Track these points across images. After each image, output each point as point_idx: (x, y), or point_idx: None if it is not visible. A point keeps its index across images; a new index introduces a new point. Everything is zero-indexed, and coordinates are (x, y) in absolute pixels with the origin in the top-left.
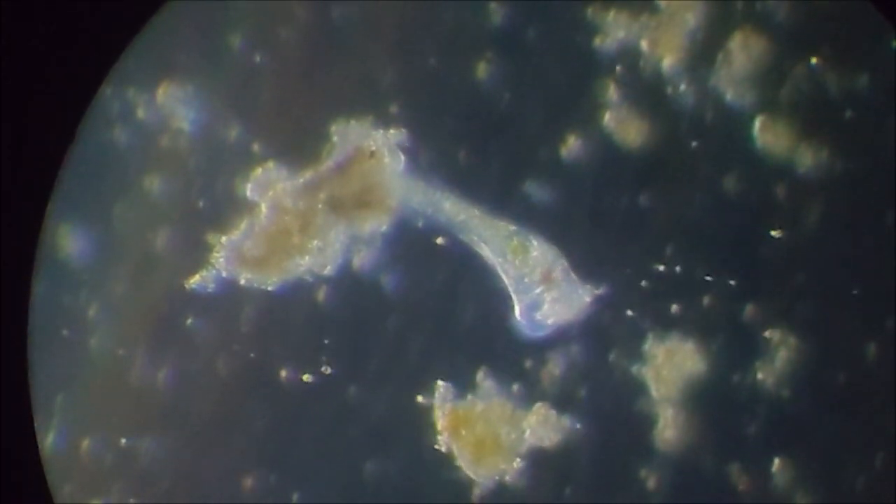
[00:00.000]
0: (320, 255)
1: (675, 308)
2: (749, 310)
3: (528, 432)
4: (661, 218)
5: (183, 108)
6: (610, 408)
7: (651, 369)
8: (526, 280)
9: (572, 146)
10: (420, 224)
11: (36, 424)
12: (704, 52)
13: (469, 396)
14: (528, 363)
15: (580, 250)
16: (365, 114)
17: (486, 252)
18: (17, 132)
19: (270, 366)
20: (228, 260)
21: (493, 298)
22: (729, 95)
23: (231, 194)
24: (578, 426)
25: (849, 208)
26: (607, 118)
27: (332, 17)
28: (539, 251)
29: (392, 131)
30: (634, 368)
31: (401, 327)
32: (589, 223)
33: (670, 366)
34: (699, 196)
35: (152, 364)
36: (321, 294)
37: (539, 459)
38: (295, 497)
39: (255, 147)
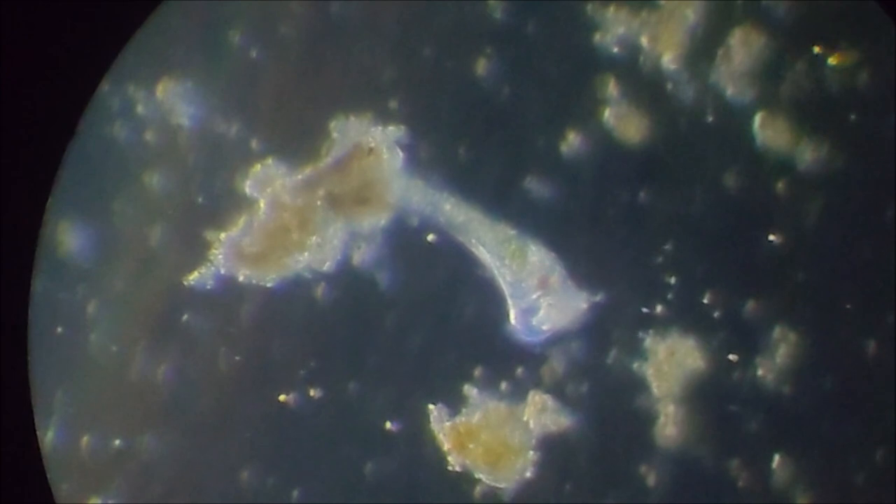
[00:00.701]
0: (319, 251)
1: (675, 306)
2: (749, 306)
3: (531, 422)
4: (660, 213)
5: (182, 104)
6: (610, 405)
7: (651, 366)
8: (522, 285)
9: (572, 142)
10: (416, 222)
11: (36, 421)
12: (705, 49)
13: (463, 410)
14: (524, 364)
15: (580, 247)
16: (364, 110)
17: (483, 254)
18: (17, 129)
19: (270, 365)
20: (227, 256)
21: (488, 302)
22: (729, 92)
23: (230, 191)
24: (576, 416)
25: (849, 205)
26: (607, 114)
27: (331, 13)
28: (537, 256)
29: (391, 128)
30: (635, 365)
31: (393, 328)
32: (589, 219)
33: (671, 362)
34: (699, 192)
35: (151, 360)
36: (319, 290)
37: (552, 445)
38: (295, 495)
39: (255, 143)
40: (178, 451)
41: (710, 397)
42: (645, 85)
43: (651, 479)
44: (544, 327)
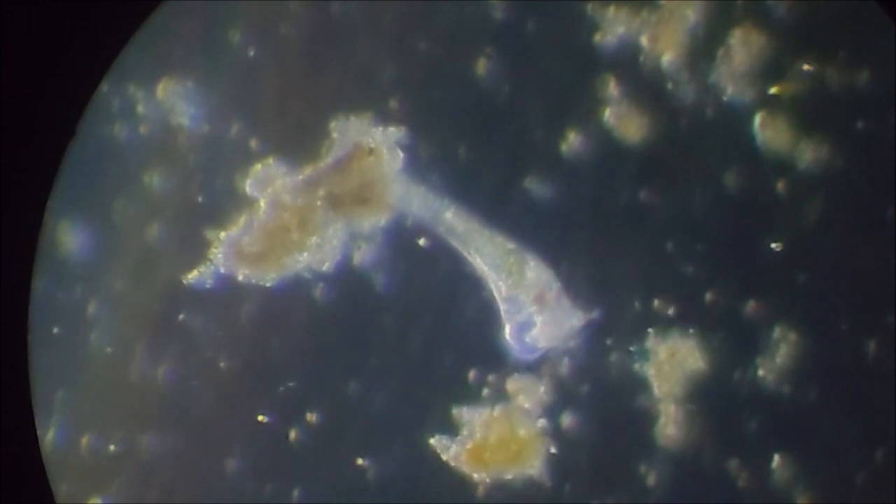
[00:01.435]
0: (319, 251)
1: (675, 305)
2: (750, 306)
3: (526, 406)
4: (660, 213)
5: (183, 103)
6: (612, 405)
7: (653, 366)
8: (519, 300)
9: (572, 142)
10: (411, 224)
11: (36, 421)
12: (705, 48)
13: (463, 432)
14: (524, 366)
15: (580, 247)
16: (364, 110)
17: (481, 266)
18: (17, 129)
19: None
20: (227, 256)
21: (487, 303)
22: (729, 91)
23: (230, 190)
24: (578, 416)
25: (849, 205)
26: (608, 114)
27: (331, 13)
28: (535, 272)
29: (392, 129)
30: (637, 366)
31: (392, 328)
32: (588, 218)
33: (672, 363)
34: (699, 192)
35: (151, 360)
36: (318, 290)
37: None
38: (295, 495)
39: (255, 143)
40: (178, 451)
41: (710, 397)
42: (645, 85)
43: (651, 479)
44: (539, 345)
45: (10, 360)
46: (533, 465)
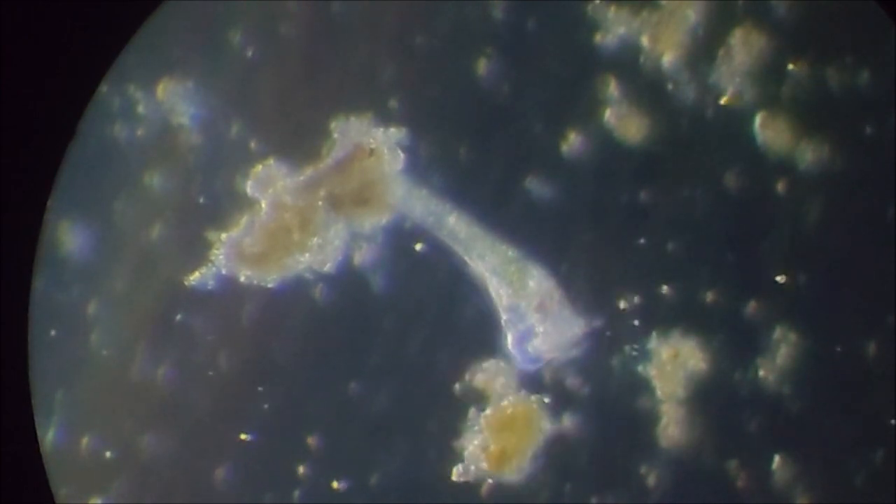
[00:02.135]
0: (320, 252)
1: (676, 305)
2: (751, 307)
3: (516, 386)
4: (661, 213)
5: (183, 104)
6: (613, 405)
7: (655, 367)
8: (520, 308)
9: (573, 142)
10: (410, 227)
11: (36, 421)
12: (705, 49)
13: (467, 450)
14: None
15: (580, 247)
16: (365, 110)
17: (483, 273)
18: (17, 129)
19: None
20: (228, 257)
21: (483, 314)
22: (730, 92)
23: (231, 191)
24: (579, 417)
25: (849, 205)
26: (608, 114)
27: (332, 13)
28: (537, 281)
29: (392, 129)
30: (639, 367)
31: (393, 329)
32: (589, 218)
33: (674, 364)
34: (699, 192)
35: (152, 361)
36: (319, 291)
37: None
38: (295, 495)
39: (256, 144)
40: (178, 451)
41: (712, 398)
42: (645, 85)
43: (652, 479)
44: (542, 356)
45: (10, 360)
46: (543, 430)
